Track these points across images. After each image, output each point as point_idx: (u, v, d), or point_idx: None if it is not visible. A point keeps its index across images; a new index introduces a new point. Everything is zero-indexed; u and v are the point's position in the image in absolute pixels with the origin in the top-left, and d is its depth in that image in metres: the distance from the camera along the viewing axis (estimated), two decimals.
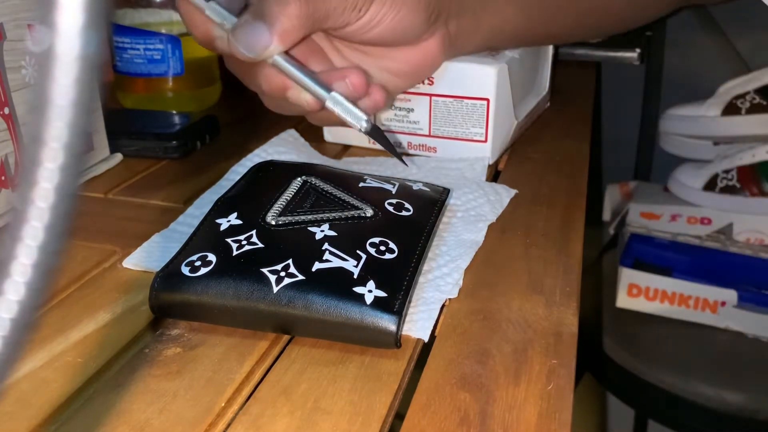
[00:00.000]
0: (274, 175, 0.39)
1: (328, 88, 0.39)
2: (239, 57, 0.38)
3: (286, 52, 0.39)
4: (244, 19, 0.38)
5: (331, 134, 0.55)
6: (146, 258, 0.37)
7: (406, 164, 0.37)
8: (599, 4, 0.55)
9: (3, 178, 0.40)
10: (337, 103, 0.38)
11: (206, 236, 0.34)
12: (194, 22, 0.40)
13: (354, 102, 0.39)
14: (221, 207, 0.36)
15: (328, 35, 0.44)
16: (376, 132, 0.38)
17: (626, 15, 0.59)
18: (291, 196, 0.37)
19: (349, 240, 0.33)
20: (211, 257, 0.32)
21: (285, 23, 0.37)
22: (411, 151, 0.52)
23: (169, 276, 0.32)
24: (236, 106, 0.64)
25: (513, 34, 0.50)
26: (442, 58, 0.46)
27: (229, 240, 0.33)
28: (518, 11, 0.49)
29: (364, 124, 0.38)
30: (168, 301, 0.32)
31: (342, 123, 0.40)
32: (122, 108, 0.63)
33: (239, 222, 0.34)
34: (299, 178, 0.38)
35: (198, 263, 0.32)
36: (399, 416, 0.27)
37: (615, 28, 0.61)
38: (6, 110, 0.40)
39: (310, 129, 0.55)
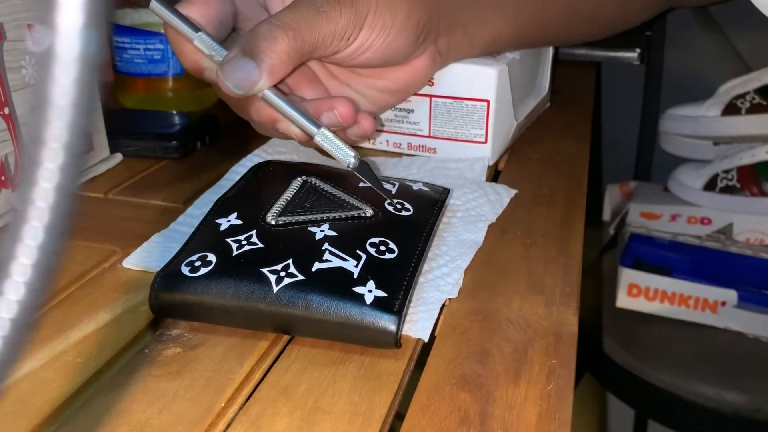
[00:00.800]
0: (274, 174, 0.39)
1: (318, 124, 0.39)
2: (228, 93, 0.38)
3: (275, 85, 0.39)
4: (232, 55, 0.37)
5: None
6: (146, 258, 0.37)
7: (392, 201, 0.37)
8: (591, 11, 0.55)
9: (3, 178, 0.40)
10: (326, 140, 0.39)
11: (206, 236, 0.34)
12: (183, 52, 0.39)
13: (342, 136, 0.40)
14: (221, 207, 0.36)
15: (320, 61, 0.44)
16: (364, 169, 0.38)
17: (616, 19, 0.60)
18: (291, 196, 0.37)
19: (349, 240, 0.33)
20: (211, 257, 0.32)
21: (274, 59, 0.37)
22: (411, 152, 0.52)
23: (169, 276, 0.32)
24: None
25: (506, 43, 0.50)
26: (432, 73, 0.47)
27: (229, 240, 0.33)
28: (510, 22, 0.49)
29: (352, 161, 0.38)
30: (168, 301, 0.32)
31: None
32: (122, 108, 0.63)
33: (239, 222, 0.34)
34: (299, 178, 0.38)
35: (198, 263, 0.32)
36: (399, 416, 0.27)
37: (606, 32, 0.61)
38: (6, 110, 0.40)
39: None
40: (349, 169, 0.39)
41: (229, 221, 0.35)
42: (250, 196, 0.37)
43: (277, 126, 0.40)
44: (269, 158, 0.46)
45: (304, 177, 0.38)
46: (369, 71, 0.45)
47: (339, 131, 0.41)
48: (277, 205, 0.36)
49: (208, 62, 0.39)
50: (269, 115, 0.40)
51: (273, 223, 0.34)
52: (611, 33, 0.62)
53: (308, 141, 0.40)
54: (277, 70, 0.38)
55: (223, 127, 0.58)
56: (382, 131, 0.52)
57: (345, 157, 0.38)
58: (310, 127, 0.39)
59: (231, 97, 0.41)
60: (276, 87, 0.39)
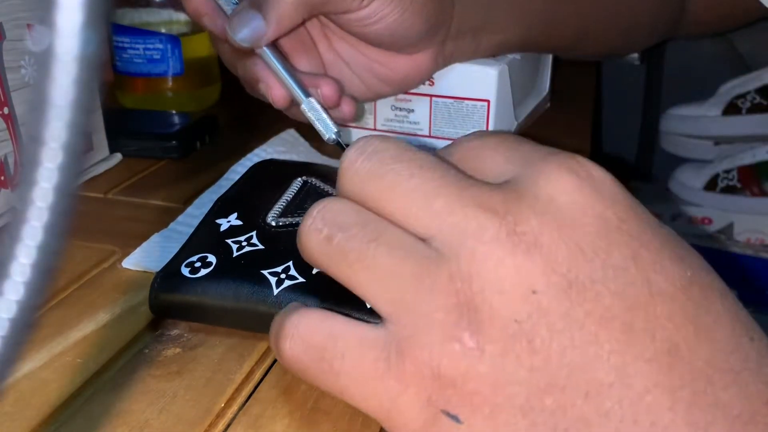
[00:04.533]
0: (274, 174, 0.39)
1: (308, 92, 0.39)
2: (234, 45, 0.38)
3: (275, 44, 0.39)
4: (240, 7, 0.37)
5: None
6: (146, 258, 0.37)
7: None
8: (598, 33, 0.55)
9: (2, 178, 0.40)
10: (312, 109, 0.39)
11: (206, 237, 0.34)
12: None
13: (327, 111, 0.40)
14: (221, 207, 0.36)
15: (323, 26, 0.43)
16: (342, 146, 0.39)
17: (620, 44, 0.60)
18: (291, 196, 0.37)
19: None
20: (211, 258, 0.32)
21: (281, 10, 0.37)
22: None
23: (168, 276, 0.32)
24: (236, 106, 0.64)
25: (510, 49, 0.50)
26: (431, 72, 0.46)
27: (229, 241, 0.33)
28: (519, 30, 0.48)
29: (333, 136, 0.38)
30: (168, 302, 0.32)
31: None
32: (122, 108, 0.63)
33: (239, 223, 0.34)
34: (299, 179, 0.38)
35: (198, 264, 0.32)
36: None
37: (607, 54, 0.62)
38: (5, 110, 0.39)
39: (310, 129, 0.54)
40: (328, 142, 0.39)
41: (229, 222, 0.35)
42: (251, 196, 0.37)
43: (258, 87, 0.40)
44: (269, 158, 0.46)
45: (304, 177, 0.38)
46: (373, 53, 0.44)
47: None
48: (277, 206, 0.36)
49: (208, 8, 0.39)
50: (253, 73, 0.40)
51: (273, 224, 0.34)
52: (611, 56, 0.62)
53: (288, 107, 0.40)
54: (284, 21, 0.37)
55: (223, 127, 0.58)
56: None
57: (326, 130, 0.38)
58: (299, 94, 0.39)
59: (223, 46, 0.41)
60: (276, 47, 0.39)
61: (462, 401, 0.19)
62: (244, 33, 0.37)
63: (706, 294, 0.20)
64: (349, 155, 0.22)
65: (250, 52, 0.39)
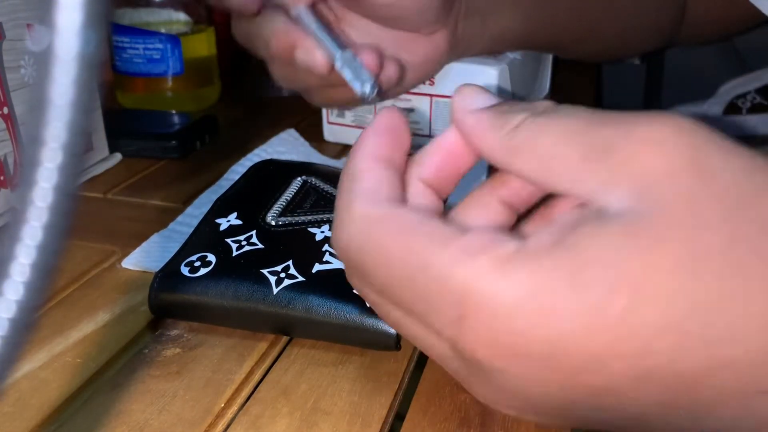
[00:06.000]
0: (273, 174, 0.39)
1: (343, 46, 0.37)
2: None
3: (314, 7, 0.38)
4: None
5: (331, 134, 0.55)
6: (145, 258, 0.37)
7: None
8: (597, 28, 0.55)
9: (2, 177, 0.40)
10: (346, 62, 0.37)
11: (206, 236, 0.34)
12: None
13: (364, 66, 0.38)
14: (221, 206, 0.36)
15: (341, 20, 0.43)
16: (375, 101, 0.37)
17: (620, 44, 0.60)
18: (291, 196, 0.37)
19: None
20: (211, 258, 0.32)
21: None
22: (411, 152, 0.52)
23: (168, 276, 0.32)
24: (236, 106, 0.64)
25: (511, 41, 0.50)
26: (447, 58, 0.46)
27: (228, 240, 0.33)
28: (520, 20, 0.48)
29: (368, 89, 0.36)
30: (167, 302, 0.32)
31: (347, 101, 0.38)
32: (121, 108, 0.63)
33: (239, 222, 0.34)
34: (299, 178, 0.38)
35: (198, 263, 0.32)
36: (399, 417, 0.27)
37: (607, 56, 0.62)
38: (5, 110, 0.39)
39: (310, 129, 0.55)
40: (365, 98, 0.36)
41: (228, 221, 0.35)
42: (250, 195, 0.37)
43: (296, 54, 0.38)
44: (269, 158, 0.46)
45: (304, 177, 0.38)
46: (393, 36, 0.43)
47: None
48: (277, 206, 0.36)
49: None
50: (289, 41, 0.38)
51: (273, 223, 0.34)
52: (611, 58, 0.62)
53: (329, 73, 0.38)
54: None
55: (223, 127, 0.58)
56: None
57: (361, 84, 0.36)
58: (333, 49, 0.37)
59: (249, 26, 0.40)
60: (314, 8, 0.38)
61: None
62: None
63: None
64: (335, 243, 0.24)
65: (274, 22, 0.38)
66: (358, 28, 0.43)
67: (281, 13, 0.39)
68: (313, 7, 0.38)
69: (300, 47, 0.38)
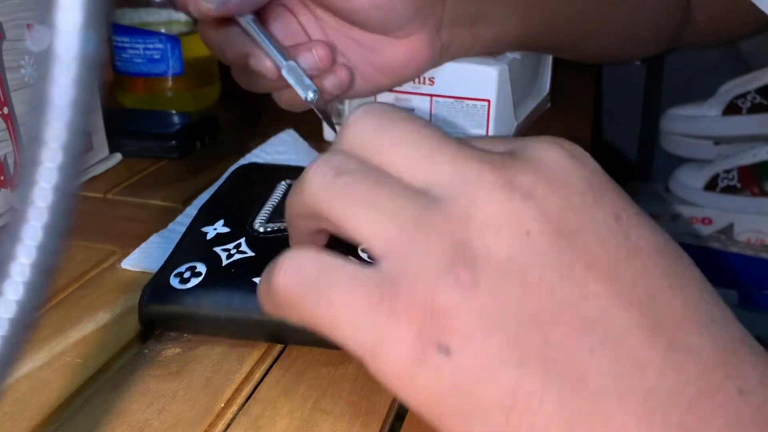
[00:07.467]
0: (257, 179, 0.39)
1: (287, 57, 0.39)
2: (202, 11, 0.37)
3: (259, 17, 0.39)
4: None
5: (331, 134, 0.55)
6: (145, 258, 0.37)
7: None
8: (597, 30, 0.55)
9: (2, 177, 0.40)
10: (291, 71, 0.38)
11: (193, 245, 0.33)
12: None
13: (311, 75, 0.39)
14: (207, 214, 0.36)
15: (317, 19, 0.43)
16: (320, 105, 0.38)
17: (619, 43, 0.60)
18: (277, 201, 0.36)
19: (341, 246, 0.33)
20: (201, 268, 0.32)
21: None
22: None
23: (158, 288, 0.31)
24: (236, 106, 0.64)
25: (508, 45, 0.49)
26: (430, 63, 0.45)
27: (217, 249, 0.33)
28: (516, 24, 0.48)
29: (311, 95, 0.38)
30: (159, 314, 0.31)
31: (304, 104, 0.39)
32: (121, 108, 0.63)
33: (227, 230, 0.34)
34: (284, 182, 0.38)
35: (187, 274, 0.31)
36: (399, 417, 0.27)
37: (607, 58, 0.62)
38: (5, 110, 0.39)
39: (310, 129, 0.54)
40: (306, 101, 0.38)
41: (215, 229, 0.34)
42: (235, 201, 0.37)
43: (249, 62, 0.39)
44: (268, 158, 0.46)
45: (288, 181, 0.38)
46: (365, 38, 0.43)
47: (315, 79, 0.40)
48: (263, 212, 0.35)
49: None
50: (242, 50, 0.39)
51: (261, 230, 0.34)
52: (611, 61, 0.62)
53: (278, 79, 0.39)
54: None
55: (223, 127, 0.58)
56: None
57: (304, 90, 0.38)
58: (279, 58, 0.38)
59: (210, 32, 0.40)
60: (260, 18, 0.39)
61: (453, 332, 0.20)
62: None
63: (677, 258, 0.22)
64: (358, 112, 0.24)
65: (229, 30, 0.39)
66: (332, 25, 0.43)
67: (235, 22, 0.39)
68: (260, 17, 0.39)
69: (252, 55, 0.39)
